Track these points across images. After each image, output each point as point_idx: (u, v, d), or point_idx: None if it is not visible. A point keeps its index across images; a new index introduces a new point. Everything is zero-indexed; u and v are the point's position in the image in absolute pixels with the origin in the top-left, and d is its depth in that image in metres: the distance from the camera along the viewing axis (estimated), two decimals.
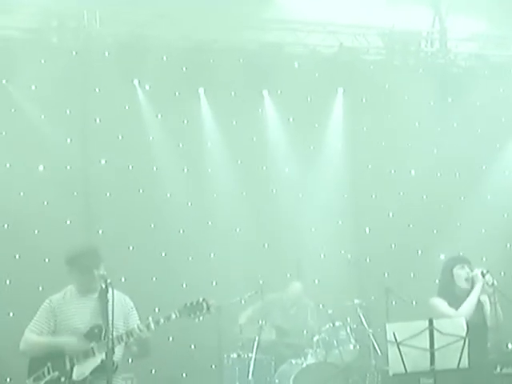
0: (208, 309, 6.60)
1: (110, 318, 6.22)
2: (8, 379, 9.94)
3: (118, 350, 6.57)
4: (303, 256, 11.42)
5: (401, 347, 6.87)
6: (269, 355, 10.06)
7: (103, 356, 6.42)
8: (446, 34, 12.15)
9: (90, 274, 6.61)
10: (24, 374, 6.67)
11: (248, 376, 9.56)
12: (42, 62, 10.75)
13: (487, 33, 12.24)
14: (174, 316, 6.59)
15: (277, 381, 9.77)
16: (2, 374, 9.89)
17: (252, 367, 9.56)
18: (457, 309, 7.64)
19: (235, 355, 9.92)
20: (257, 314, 10.26)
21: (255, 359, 9.62)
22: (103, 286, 6.43)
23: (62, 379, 6.50)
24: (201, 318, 6.62)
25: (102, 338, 6.49)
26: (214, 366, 10.10)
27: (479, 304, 7.71)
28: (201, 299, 6.61)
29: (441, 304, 7.72)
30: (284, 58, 11.67)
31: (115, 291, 6.37)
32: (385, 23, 11.93)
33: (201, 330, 9.98)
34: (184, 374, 11.03)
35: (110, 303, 6.26)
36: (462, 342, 6.90)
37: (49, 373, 6.53)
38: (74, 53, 10.92)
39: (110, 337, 6.26)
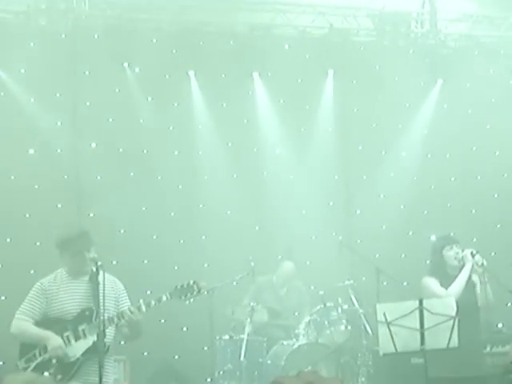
0: (199, 291, 6.63)
1: (101, 300, 6.26)
2: (1, 362, 9.94)
3: (109, 332, 6.60)
4: (294, 238, 11.45)
5: (391, 327, 6.91)
6: (261, 336, 10.11)
7: (94, 338, 6.46)
8: (436, 14, 12.14)
9: (81, 257, 6.63)
10: (16, 357, 6.71)
11: (240, 357, 9.61)
12: (31, 45, 10.72)
13: (477, 13, 12.23)
14: (164, 298, 6.63)
15: (269, 362, 9.82)
16: None
17: (244, 349, 9.61)
18: (448, 288, 7.68)
19: (227, 337, 9.97)
20: (251, 300, 10.31)
21: (247, 341, 9.66)
22: (94, 268, 6.46)
23: (53, 361, 6.54)
24: (191, 300, 6.66)
25: (93, 321, 6.53)
26: (206, 348, 10.12)
27: (471, 284, 7.75)
28: (191, 281, 6.64)
29: (433, 284, 7.76)
30: (274, 40, 11.65)
31: (106, 274, 6.39)
32: (375, 4, 11.92)
33: (193, 312, 10.04)
34: (176, 356, 11.06)
35: (101, 286, 6.29)
36: (452, 321, 6.94)
37: (40, 354, 6.57)
38: (63, 35, 10.87)
39: (102, 319, 6.30)
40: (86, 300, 6.62)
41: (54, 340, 6.55)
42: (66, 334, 6.58)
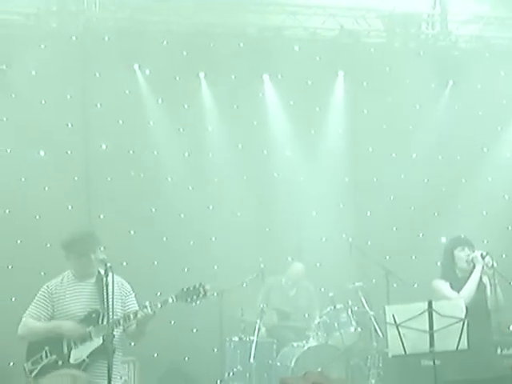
0: (205, 294, 6.63)
1: (110, 302, 6.26)
2: (11, 363, 9.98)
3: (116, 334, 6.61)
4: (304, 239, 11.45)
5: (400, 329, 6.89)
6: (270, 338, 10.11)
7: (100, 340, 6.48)
8: (447, 16, 12.09)
9: (86, 259, 6.65)
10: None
11: (250, 359, 9.60)
12: (42, 47, 10.75)
13: (488, 15, 12.18)
14: (170, 300, 6.63)
15: (278, 364, 9.82)
16: (4, 358, 9.95)
17: (254, 350, 9.60)
18: (458, 290, 7.66)
19: (237, 338, 9.97)
20: (262, 302, 10.32)
21: (257, 342, 9.65)
22: (103, 270, 6.46)
23: (60, 362, 6.56)
24: (198, 302, 6.66)
25: (100, 323, 6.54)
26: (215, 350, 10.14)
27: (481, 286, 7.73)
28: (198, 284, 6.64)
29: (443, 286, 7.74)
30: (284, 42, 11.63)
31: (114, 275, 6.40)
32: (385, 6, 11.89)
33: (202, 313, 10.02)
34: (186, 358, 11.08)
35: (110, 287, 6.29)
36: (461, 323, 6.92)
37: (46, 356, 6.60)
38: (73, 38, 10.90)
39: (110, 321, 6.30)
40: (92, 302, 6.64)
41: (66, 324, 6.57)
42: None
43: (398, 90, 11.92)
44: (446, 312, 6.95)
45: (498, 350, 8.98)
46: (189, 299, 6.62)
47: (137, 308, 6.71)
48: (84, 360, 6.55)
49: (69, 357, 6.57)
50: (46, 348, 6.59)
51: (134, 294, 6.86)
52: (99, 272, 6.59)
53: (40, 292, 6.76)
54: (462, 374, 7.42)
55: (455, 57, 12.20)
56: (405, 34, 12.09)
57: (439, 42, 12.20)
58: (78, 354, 6.56)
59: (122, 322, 6.57)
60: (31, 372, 6.57)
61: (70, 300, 6.67)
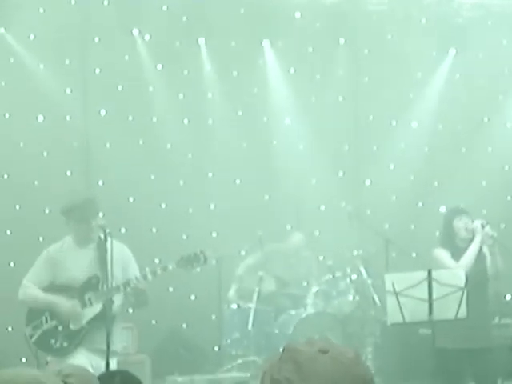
0: (205, 261, 6.65)
1: (109, 267, 6.26)
2: (10, 328, 9.99)
3: (116, 300, 6.62)
4: (303, 208, 11.42)
5: (399, 297, 6.91)
6: (269, 306, 10.13)
7: (100, 306, 6.49)
8: None
9: (86, 225, 6.65)
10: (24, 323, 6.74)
11: (248, 326, 9.63)
12: (41, 10, 10.62)
13: None
14: (170, 267, 6.64)
15: (276, 331, 9.85)
16: (3, 323, 9.96)
17: (252, 318, 9.63)
18: (458, 260, 7.67)
19: (235, 306, 9.99)
20: (257, 263, 10.30)
21: (255, 310, 9.68)
22: (102, 235, 6.45)
23: (60, 328, 6.57)
24: (198, 269, 6.67)
25: (100, 288, 6.54)
26: (214, 317, 10.15)
27: (481, 255, 7.73)
28: (198, 251, 6.64)
29: (443, 255, 7.75)
30: (285, 8, 11.51)
31: (114, 241, 6.39)
32: None
33: (201, 280, 10.04)
34: (184, 325, 11.08)
35: (109, 253, 6.29)
36: (461, 292, 6.93)
37: (46, 321, 6.61)
38: (72, 1, 10.78)
39: (109, 287, 6.31)
40: (92, 268, 6.64)
41: (64, 304, 6.58)
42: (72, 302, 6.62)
43: (400, 57, 11.82)
44: (445, 281, 6.97)
45: (496, 319, 9.02)
46: (189, 266, 6.63)
47: (137, 273, 6.71)
48: (83, 326, 6.57)
49: (68, 322, 6.59)
50: (47, 313, 6.61)
51: (134, 260, 6.87)
52: (100, 238, 6.59)
53: (40, 257, 6.77)
54: (458, 342, 7.45)
55: (457, 25, 12.08)
56: (407, 1, 11.97)
57: (441, 9, 12.07)
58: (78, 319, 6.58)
59: (121, 288, 6.57)
60: (31, 337, 6.60)
61: (70, 265, 6.67)
